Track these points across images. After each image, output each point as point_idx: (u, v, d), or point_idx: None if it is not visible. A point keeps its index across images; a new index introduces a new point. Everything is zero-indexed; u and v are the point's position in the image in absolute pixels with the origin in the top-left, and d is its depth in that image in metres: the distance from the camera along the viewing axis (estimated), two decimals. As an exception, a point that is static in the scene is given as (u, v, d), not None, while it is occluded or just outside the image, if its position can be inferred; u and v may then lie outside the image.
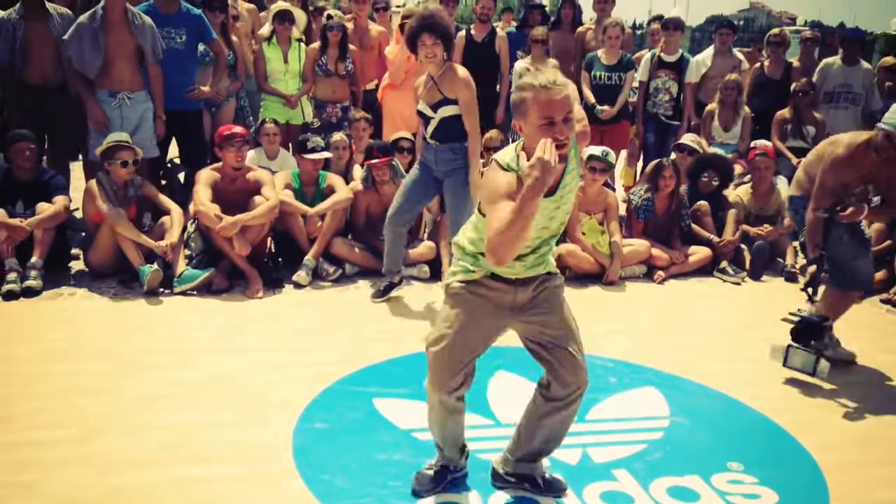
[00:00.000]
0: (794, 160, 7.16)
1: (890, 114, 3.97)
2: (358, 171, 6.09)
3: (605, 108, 7.15)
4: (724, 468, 3.28)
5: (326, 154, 5.83)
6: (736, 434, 3.61)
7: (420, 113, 4.85)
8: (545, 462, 3.07)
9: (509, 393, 3.78)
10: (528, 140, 2.51)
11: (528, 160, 2.41)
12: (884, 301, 5.68)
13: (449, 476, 3.04)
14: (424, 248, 5.78)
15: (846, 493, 3.14)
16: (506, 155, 2.58)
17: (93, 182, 5.24)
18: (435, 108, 4.73)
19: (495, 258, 2.44)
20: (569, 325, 2.81)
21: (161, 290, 5.07)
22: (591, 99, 7.20)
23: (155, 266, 5.01)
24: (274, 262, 5.70)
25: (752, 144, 6.80)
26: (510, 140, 7.09)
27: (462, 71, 4.74)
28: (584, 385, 2.81)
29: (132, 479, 3.00)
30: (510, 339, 2.94)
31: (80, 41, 5.51)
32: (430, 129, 4.79)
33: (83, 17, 5.56)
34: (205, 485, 2.98)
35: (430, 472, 3.03)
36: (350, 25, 7.12)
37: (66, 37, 5.57)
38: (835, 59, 7.65)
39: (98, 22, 5.52)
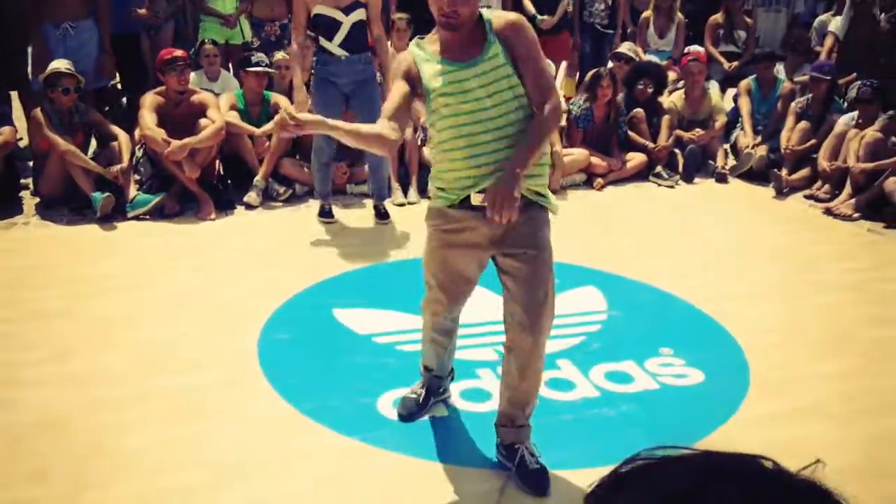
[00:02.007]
0: (726, 65, 7.42)
1: None
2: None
3: (546, 17, 7.24)
4: (656, 353, 3.60)
5: (270, 70, 5.85)
6: (667, 323, 3.93)
7: (322, 18, 4.69)
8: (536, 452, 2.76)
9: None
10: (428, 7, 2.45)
11: (438, 30, 2.52)
12: (807, 197, 6.04)
13: (433, 399, 3.09)
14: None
15: (766, 371, 3.49)
16: (414, 41, 2.67)
17: (37, 111, 5.22)
18: (347, 10, 4.67)
19: None
20: (542, 258, 2.59)
21: (114, 215, 5.14)
22: (532, 9, 7.28)
23: (107, 192, 5.08)
24: (224, 184, 5.79)
25: (685, 50, 7.01)
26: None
27: None
28: (530, 327, 2.55)
29: (109, 392, 3.19)
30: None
31: None
32: (340, 37, 4.71)
33: None
34: (178, 392, 3.19)
35: (415, 397, 3.07)
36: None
37: None
38: None
39: None
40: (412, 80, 2.56)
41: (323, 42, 4.82)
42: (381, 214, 5.25)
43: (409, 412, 3.06)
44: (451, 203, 2.62)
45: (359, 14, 4.70)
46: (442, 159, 2.60)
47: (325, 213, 5.25)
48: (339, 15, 4.69)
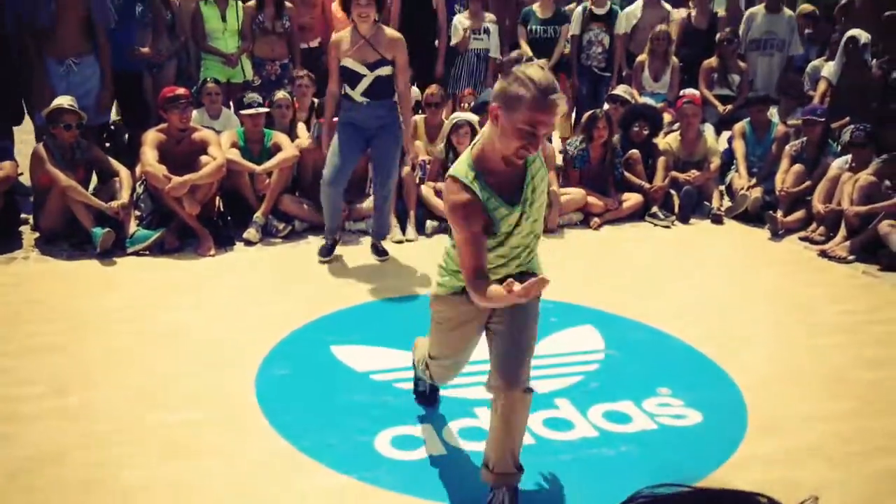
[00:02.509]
0: (720, 108, 7.52)
1: None
2: (302, 129, 6.21)
3: (542, 61, 7.32)
4: (654, 393, 3.61)
5: (263, 109, 5.91)
6: (664, 363, 3.94)
7: (348, 70, 4.86)
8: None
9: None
10: (499, 133, 2.36)
11: (486, 157, 2.42)
12: (802, 239, 6.09)
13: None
14: (372, 202, 5.96)
15: (763, 411, 3.50)
16: (460, 169, 2.48)
17: (39, 146, 5.27)
18: (371, 67, 4.84)
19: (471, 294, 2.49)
20: (525, 325, 2.65)
21: (114, 251, 5.16)
22: (529, 53, 7.40)
23: (107, 228, 5.11)
24: (224, 220, 5.83)
25: (680, 93, 7.11)
26: (450, 93, 7.27)
27: (394, 32, 4.92)
28: (506, 387, 2.55)
29: (106, 427, 3.18)
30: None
31: None
32: (363, 87, 4.86)
33: None
34: (176, 428, 3.19)
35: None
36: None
37: None
38: (758, 8, 7.96)
39: None
40: (479, 216, 2.46)
41: (346, 89, 4.95)
42: (380, 252, 5.29)
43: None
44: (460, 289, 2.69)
45: (383, 70, 4.85)
46: None
47: (325, 252, 5.28)
48: (362, 69, 4.83)
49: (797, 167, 6.42)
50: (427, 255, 5.21)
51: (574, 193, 6.29)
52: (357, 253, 5.45)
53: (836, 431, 3.36)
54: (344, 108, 5.00)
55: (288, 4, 6.93)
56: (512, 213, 2.49)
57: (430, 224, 5.94)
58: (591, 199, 6.34)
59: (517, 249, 2.61)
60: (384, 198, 5.15)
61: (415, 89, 6.47)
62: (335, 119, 5.08)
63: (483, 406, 3.42)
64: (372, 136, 4.99)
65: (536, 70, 2.32)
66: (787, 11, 7.96)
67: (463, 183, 2.44)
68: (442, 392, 3.45)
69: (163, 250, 5.25)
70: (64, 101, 5.30)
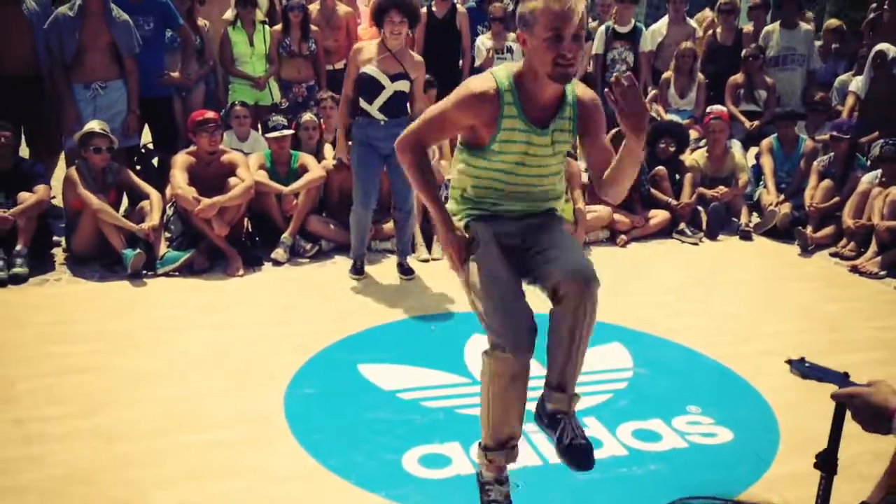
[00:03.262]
0: (747, 123, 7.48)
1: None
2: (329, 150, 6.26)
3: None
4: (684, 411, 3.57)
5: (288, 131, 5.97)
6: (694, 381, 3.91)
7: (368, 79, 4.88)
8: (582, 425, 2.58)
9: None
10: (531, 55, 2.37)
11: (526, 79, 2.40)
12: (832, 254, 6.02)
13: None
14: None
15: (796, 428, 3.45)
16: (500, 74, 2.48)
17: (72, 169, 5.36)
18: (393, 78, 4.88)
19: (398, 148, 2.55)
20: (563, 239, 2.57)
21: (144, 272, 5.22)
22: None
23: (138, 249, 5.18)
24: (252, 241, 5.89)
25: (707, 110, 7.08)
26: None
27: (417, 55, 5.04)
28: (586, 284, 2.39)
29: (136, 448, 3.21)
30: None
31: (58, 30, 5.65)
32: (381, 100, 4.89)
33: (63, 8, 5.70)
34: (205, 449, 3.20)
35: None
36: (316, 6, 7.25)
37: (45, 26, 5.70)
38: (774, 26, 7.92)
39: (76, 11, 5.66)
40: (482, 117, 2.44)
41: (363, 104, 4.97)
42: (406, 270, 5.30)
43: None
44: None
45: (402, 85, 4.91)
46: (467, 185, 2.63)
47: (357, 270, 5.33)
48: (384, 79, 4.88)
49: (826, 182, 6.36)
50: (452, 274, 5.19)
51: (600, 210, 6.27)
52: (383, 272, 5.46)
53: (870, 450, 3.29)
54: (359, 124, 5.03)
55: (313, 28, 7.01)
56: (530, 136, 2.46)
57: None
58: (618, 217, 6.32)
59: (522, 187, 2.55)
60: (406, 215, 5.20)
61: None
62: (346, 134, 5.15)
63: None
64: (388, 154, 4.99)
65: None
66: (804, 26, 7.91)
67: (496, 83, 2.43)
68: (468, 411, 3.43)
69: (192, 271, 5.30)
70: (95, 125, 5.40)
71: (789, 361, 2.01)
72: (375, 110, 4.93)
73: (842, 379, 2.02)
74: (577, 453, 2.46)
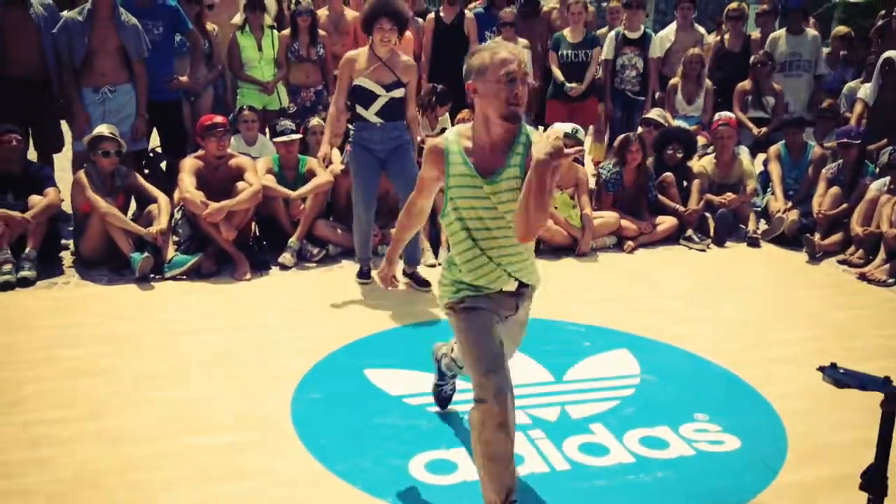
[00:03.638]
0: (755, 130, 7.47)
1: None
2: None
3: (574, 85, 7.41)
4: (691, 419, 3.56)
5: (296, 136, 5.99)
6: (701, 388, 3.89)
7: (362, 90, 4.92)
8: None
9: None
10: (483, 101, 2.60)
11: (474, 127, 2.66)
12: (840, 262, 6.00)
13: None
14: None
15: (804, 437, 3.43)
16: (450, 131, 2.77)
17: (81, 173, 5.39)
18: (388, 88, 4.91)
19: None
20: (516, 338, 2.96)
21: (152, 275, 5.24)
22: (560, 77, 7.45)
23: (146, 253, 5.19)
24: (259, 245, 5.90)
25: (714, 116, 7.07)
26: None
27: (408, 57, 5.05)
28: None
29: (143, 450, 3.21)
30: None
31: (68, 34, 5.69)
32: (376, 107, 4.92)
33: (72, 13, 5.74)
34: (212, 452, 3.21)
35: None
36: (325, 11, 7.28)
37: (54, 31, 5.73)
38: (780, 32, 7.91)
39: (85, 15, 5.70)
40: (440, 167, 2.73)
41: (359, 109, 5.00)
42: (420, 282, 5.25)
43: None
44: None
45: (398, 92, 4.93)
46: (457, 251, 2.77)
47: (363, 275, 5.33)
48: (378, 90, 4.90)
49: (834, 189, 6.34)
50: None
51: (608, 217, 6.27)
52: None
53: None
54: (356, 129, 5.07)
55: (321, 33, 7.03)
56: (476, 181, 2.63)
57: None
58: (625, 223, 6.31)
59: (484, 231, 2.68)
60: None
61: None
62: (337, 132, 5.22)
63: (518, 431, 3.40)
64: (385, 158, 5.05)
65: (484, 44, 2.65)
66: (811, 31, 7.90)
67: (444, 140, 2.73)
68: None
69: (200, 275, 5.32)
70: (104, 129, 5.43)
71: (821, 369, 1.91)
72: (372, 115, 4.96)
73: (884, 384, 1.81)
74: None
